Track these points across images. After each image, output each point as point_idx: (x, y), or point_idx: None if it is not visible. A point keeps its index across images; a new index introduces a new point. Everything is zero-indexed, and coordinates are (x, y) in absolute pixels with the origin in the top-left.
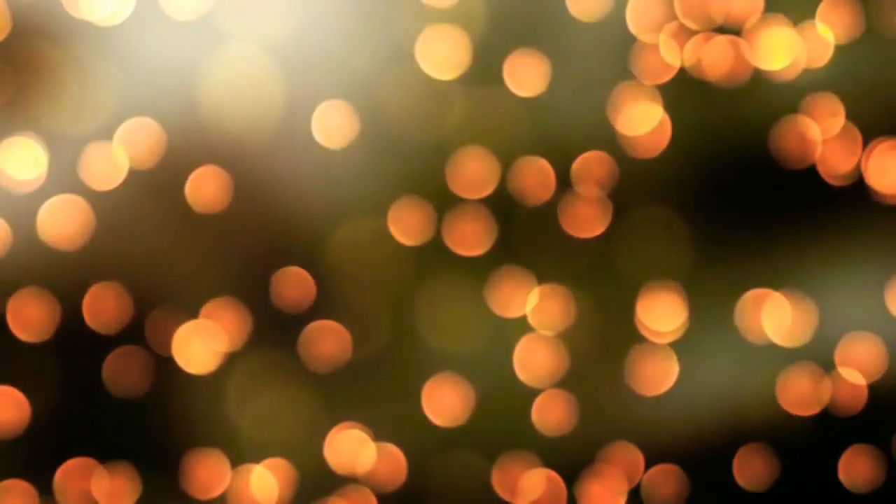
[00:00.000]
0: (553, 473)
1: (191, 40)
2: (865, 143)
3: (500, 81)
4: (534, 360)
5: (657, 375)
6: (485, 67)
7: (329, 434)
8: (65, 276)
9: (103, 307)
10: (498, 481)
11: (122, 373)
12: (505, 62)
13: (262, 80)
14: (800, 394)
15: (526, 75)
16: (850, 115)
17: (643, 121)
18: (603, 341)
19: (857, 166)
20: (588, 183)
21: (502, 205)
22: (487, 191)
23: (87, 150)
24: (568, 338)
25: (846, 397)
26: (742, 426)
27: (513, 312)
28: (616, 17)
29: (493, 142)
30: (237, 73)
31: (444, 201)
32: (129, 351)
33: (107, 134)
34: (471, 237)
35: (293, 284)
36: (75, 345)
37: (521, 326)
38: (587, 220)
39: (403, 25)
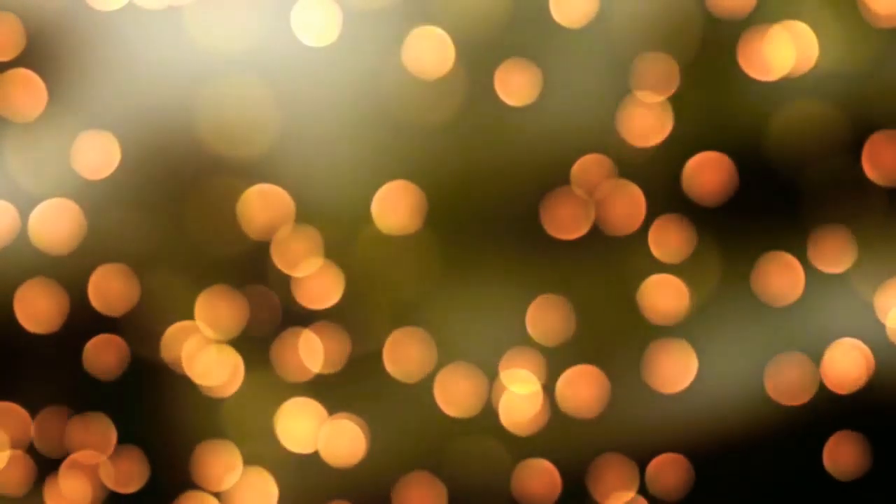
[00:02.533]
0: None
1: (185, 43)
2: (863, 139)
3: (491, 88)
4: (538, 355)
5: (666, 369)
6: (476, 75)
7: (330, 428)
8: (65, 270)
9: (108, 297)
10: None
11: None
12: (496, 70)
13: (257, 84)
14: (787, 386)
15: (517, 83)
16: (846, 113)
17: (638, 122)
18: (608, 334)
19: (858, 164)
20: (583, 184)
21: (503, 205)
22: (488, 192)
23: (81, 144)
24: (573, 331)
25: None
26: (743, 418)
27: (515, 309)
28: (606, 22)
29: (489, 147)
30: (231, 80)
31: (445, 201)
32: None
33: (103, 128)
34: (472, 237)
35: (298, 282)
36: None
37: (523, 322)
38: (583, 220)
39: (395, 34)
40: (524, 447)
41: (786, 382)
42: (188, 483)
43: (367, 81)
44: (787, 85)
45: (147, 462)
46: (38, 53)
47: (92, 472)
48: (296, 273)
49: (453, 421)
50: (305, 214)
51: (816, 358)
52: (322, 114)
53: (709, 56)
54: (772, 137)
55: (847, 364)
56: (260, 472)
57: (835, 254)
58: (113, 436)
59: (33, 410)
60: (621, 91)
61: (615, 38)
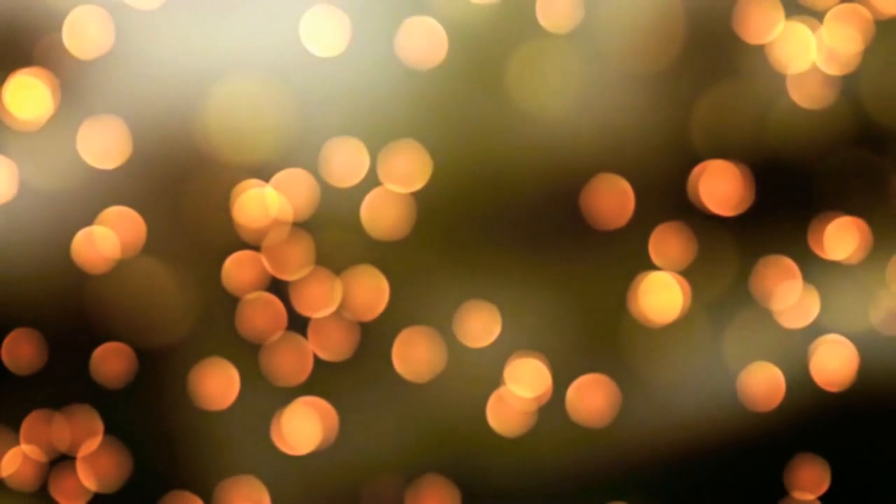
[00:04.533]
0: None
1: (187, 42)
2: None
3: (490, 88)
4: (543, 356)
5: (668, 369)
6: (473, 73)
7: (334, 431)
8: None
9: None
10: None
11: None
12: (494, 69)
13: (256, 86)
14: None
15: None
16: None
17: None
18: (611, 334)
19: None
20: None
21: (504, 205)
22: (485, 191)
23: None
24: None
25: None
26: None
27: (519, 309)
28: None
29: (489, 146)
30: (234, 79)
31: (446, 201)
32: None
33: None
34: (474, 234)
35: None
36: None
37: (528, 322)
38: (582, 220)
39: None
40: (531, 447)
41: (789, 381)
42: (183, 484)
43: (365, 81)
44: (789, 83)
45: (143, 463)
46: (46, 53)
47: (86, 471)
48: (294, 277)
49: (458, 422)
50: (304, 216)
51: (812, 357)
52: (321, 114)
53: (709, 55)
54: (772, 136)
55: (837, 361)
56: (259, 474)
57: (835, 251)
58: (100, 433)
59: (28, 410)
60: (620, 88)
61: (612, 35)
